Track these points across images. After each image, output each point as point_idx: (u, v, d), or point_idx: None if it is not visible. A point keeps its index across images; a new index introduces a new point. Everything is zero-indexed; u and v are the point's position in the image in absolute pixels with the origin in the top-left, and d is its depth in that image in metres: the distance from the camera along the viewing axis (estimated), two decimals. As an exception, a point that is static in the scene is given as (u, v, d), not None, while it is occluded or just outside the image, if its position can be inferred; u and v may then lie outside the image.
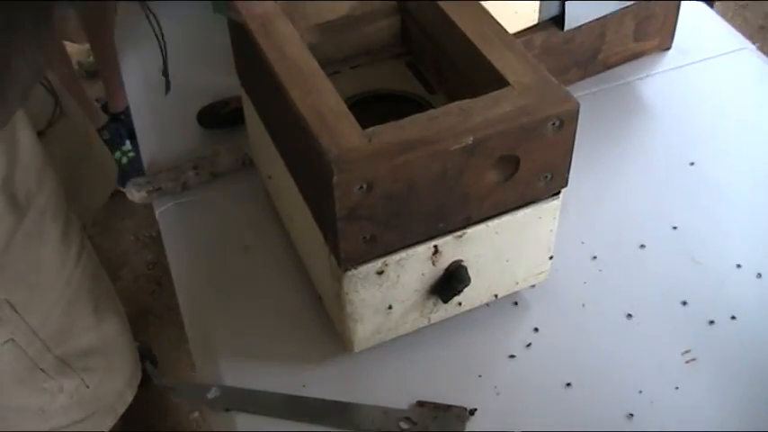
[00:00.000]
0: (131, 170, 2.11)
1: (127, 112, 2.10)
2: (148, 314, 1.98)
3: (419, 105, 0.89)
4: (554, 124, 0.73)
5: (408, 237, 0.75)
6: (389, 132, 0.70)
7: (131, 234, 2.15)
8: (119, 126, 2.18)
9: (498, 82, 0.75)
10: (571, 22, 1.05)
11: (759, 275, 0.91)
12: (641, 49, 1.17)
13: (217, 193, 1.02)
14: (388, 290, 0.78)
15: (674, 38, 1.19)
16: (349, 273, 0.75)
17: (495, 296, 0.86)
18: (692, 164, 1.04)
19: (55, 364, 1.03)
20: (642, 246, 0.95)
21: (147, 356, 1.79)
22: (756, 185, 1.01)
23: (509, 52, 0.78)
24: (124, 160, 2.18)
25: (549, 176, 0.77)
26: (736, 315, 0.88)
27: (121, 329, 1.15)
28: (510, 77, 0.75)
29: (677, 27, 1.18)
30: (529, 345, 0.86)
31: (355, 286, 0.76)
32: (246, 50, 0.85)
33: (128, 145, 2.16)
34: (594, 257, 0.94)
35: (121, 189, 2.21)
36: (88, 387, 1.09)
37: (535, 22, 1.05)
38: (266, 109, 0.87)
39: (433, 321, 0.85)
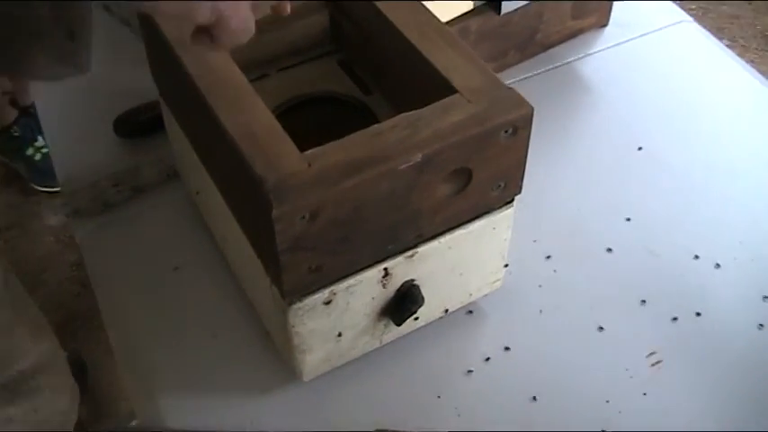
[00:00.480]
0: (45, 167, 1.99)
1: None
2: (76, 319, 1.88)
3: (356, 109, 0.82)
4: (507, 132, 0.67)
5: (357, 262, 0.69)
6: (331, 153, 0.63)
7: (51, 235, 2.04)
8: (29, 121, 2.05)
9: (444, 87, 0.69)
10: (508, 5, 1.00)
11: (718, 266, 0.88)
12: (579, 26, 1.12)
13: (141, 210, 0.94)
14: (337, 318, 0.72)
15: (612, 14, 1.14)
16: (294, 306, 0.68)
17: (446, 311, 0.81)
18: (640, 148, 1.00)
19: (1, 393, 0.98)
20: (596, 241, 0.90)
21: (78, 365, 1.71)
22: (706, 167, 0.98)
23: (453, 52, 0.72)
24: (38, 156, 2.05)
25: (503, 185, 0.72)
26: (698, 310, 0.84)
27: (55, 346, 1.12)
28: (456, 82, 0.69)
29: (614, 3, 1.13)
30: (488, 359, 0.81)
31: (302, 319, 0.70)
32: (164, 60, 0.77)
33: (40, 140, 2.04)
34: (548, 257, 0.89)
35: (38, 188, 2.11)
36: (36, 412, 1.05)
37: (470, 7, 0.99)
38: (190, 124, 0.79)
39: (385, 342, 0.79)
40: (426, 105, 0.72)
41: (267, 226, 0.62)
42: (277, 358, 0.80)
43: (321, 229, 0.63)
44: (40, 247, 2.03)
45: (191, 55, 0.72)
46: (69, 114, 1.06)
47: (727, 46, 2.30)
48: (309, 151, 0.64)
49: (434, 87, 0.70)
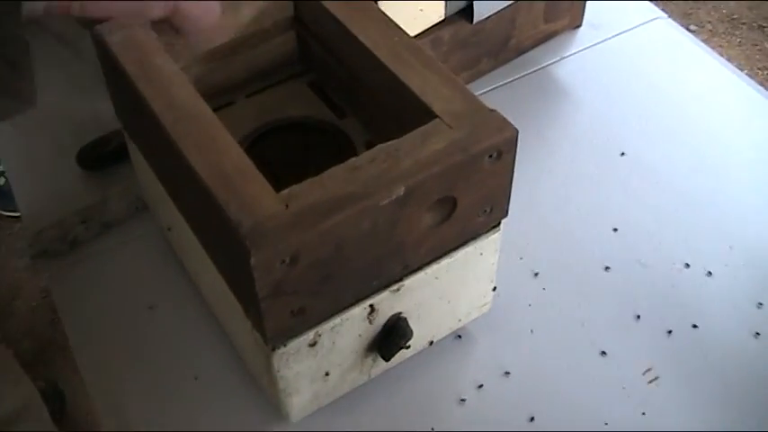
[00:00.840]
0: (8, 191, 1.94)
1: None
2: (51, 346, 1.83)
3: (330, 134, 0.79)
4: (491, 156, 0.64)
5: (341, 301, 0.66)
6: (308, 192, 0.60)
7: (19, 260, 1.99)
8: (-10, 145, 1.99)
9: (423, 112, 0.66)
10: (480, 13, 0.97)
11: (710, 274, 0.85)
12: (553, 29, 1.10)
13: (111, 247, 0.90)
14: (323, 358, 0.69)
15: (585, 14, 1.12)
16: (278, 351, 0.65)
17: (431, 342, 0.78)
18: (622, 154, 0.97)
19: None
20: (584, 254, 0.88)
21: (55, 395, 1.67)
22: (690, 169, 0.96)
23: (429, 73, 0.69)
24: (1, 181, 2.01)
25: (489, 209, 0.69)
26: (692, 322, 0.82)
27: (31, 389, 1.09)
28: (436, 107, 0.66)
29: (586, 3, 1.11)
30: (480, 386, 0.78)
31: (286, 362, 0.67)
32: (125, 94, 0.73)
33: (3, 164, 1.98)
34: (536, 274, 0.86)
35: (2, 212, 2.06)
36: None
37: (442, 17, 0.96)
38: (157, 161, 0.75)
39: (373, 376, 0.76)
40: (404, 130, 0.69)
41: (245, 272, 0.58)
42: (262, 398, 0.77)
43: (302, 272, 0.60)
44: (8, 273, 1.98)
45: (153, 89, 0.68)
46: (29, 148, 1.01)
47: (694, 31, 2.30)
48: (286, 191, 0.60)
49: (412, 112, 0.67)
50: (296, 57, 0.85)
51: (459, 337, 0.82)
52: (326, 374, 0.71)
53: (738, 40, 2.29)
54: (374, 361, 0.74)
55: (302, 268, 0.60)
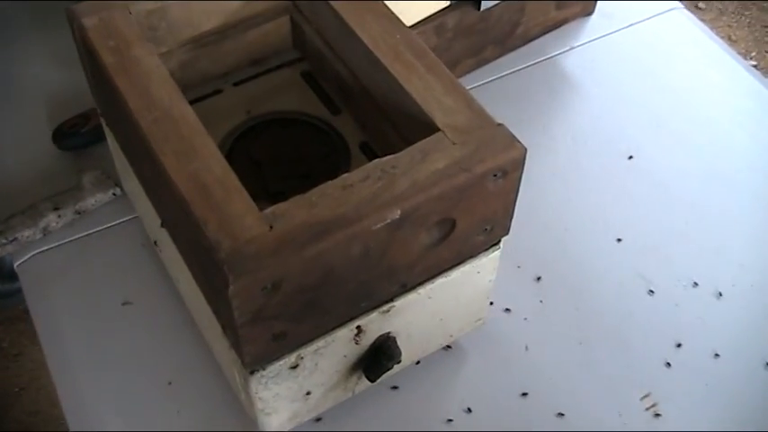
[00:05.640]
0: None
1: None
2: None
3: (323, 132, 0.73)
4: (496, 176, 0.59)
5: (325, 324, 0.61)
6: (295, 212, 0.55)
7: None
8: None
9: (424, 123, 0.61)
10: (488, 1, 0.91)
11: (720, 295, 0.81)
12: (563, 16, 1.04)
13: (86, 236, 0.85)
14: (304, 379, 0.65)
15: (598, 1, 1.06)
16: (257, 374, 0.61)
17: (418, 362, 0.74)
18: (630, 157, 0.92)
19: None
20: (585, 266, 0.83)
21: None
22: (701, 178, 0.91)
23: (433, 79, 0.63)
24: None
25: (490, 228, 0.64)
26: (698, 346, 0.78)
27: None
28: (438, 119, 0.60)
29: (600, -11, 1.05)
30: (469, 409, 0.74)
31: (265, 385, 0.62)
32: (102, 85, 0.67)
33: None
34: (534, 285, 0.82)
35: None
36: None
37: (448, 3, 0.90)
38: (135, 159, 0.70)
39: (357, 393, 0.72)
40: (402, 138, 0.64)
41: (224, 298, 0.54)
42: (240, 409, 0.73)
43: (285, 298, 0.55)
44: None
45: (131, 84, 0.62)
46: (2, 124, 0.95)
47: (702, 9, 2.22)
48: (270, 209, 0.55)
49: (412, 121, 0.62)
50: (289, 44, 0.79)
51: (449, 347, 0.77)
52: (308, 393, 0.67)
53: (747, 20, 2.22)
54: (359, 378, 0.70)
55: (285, 295, 0.55)
